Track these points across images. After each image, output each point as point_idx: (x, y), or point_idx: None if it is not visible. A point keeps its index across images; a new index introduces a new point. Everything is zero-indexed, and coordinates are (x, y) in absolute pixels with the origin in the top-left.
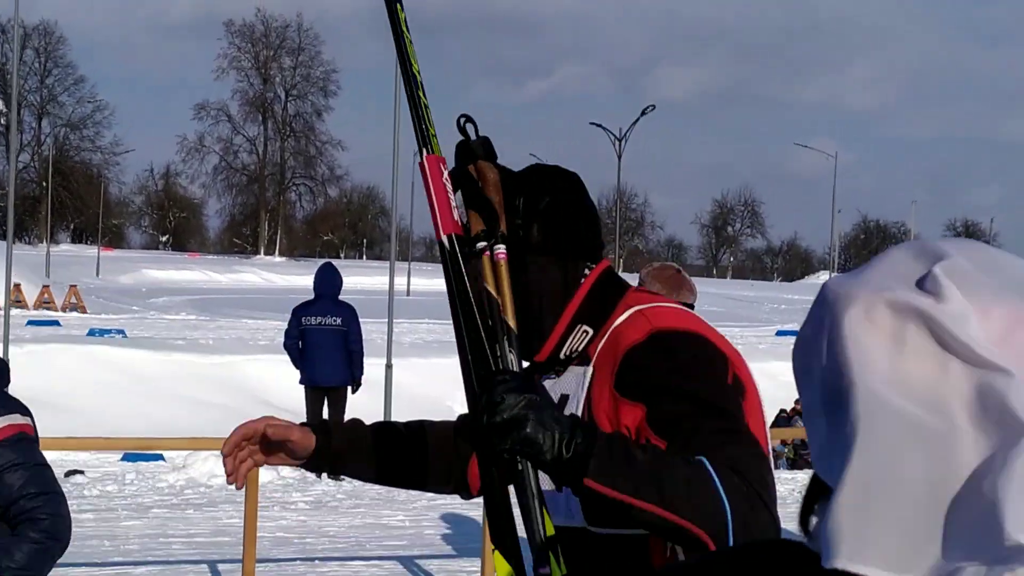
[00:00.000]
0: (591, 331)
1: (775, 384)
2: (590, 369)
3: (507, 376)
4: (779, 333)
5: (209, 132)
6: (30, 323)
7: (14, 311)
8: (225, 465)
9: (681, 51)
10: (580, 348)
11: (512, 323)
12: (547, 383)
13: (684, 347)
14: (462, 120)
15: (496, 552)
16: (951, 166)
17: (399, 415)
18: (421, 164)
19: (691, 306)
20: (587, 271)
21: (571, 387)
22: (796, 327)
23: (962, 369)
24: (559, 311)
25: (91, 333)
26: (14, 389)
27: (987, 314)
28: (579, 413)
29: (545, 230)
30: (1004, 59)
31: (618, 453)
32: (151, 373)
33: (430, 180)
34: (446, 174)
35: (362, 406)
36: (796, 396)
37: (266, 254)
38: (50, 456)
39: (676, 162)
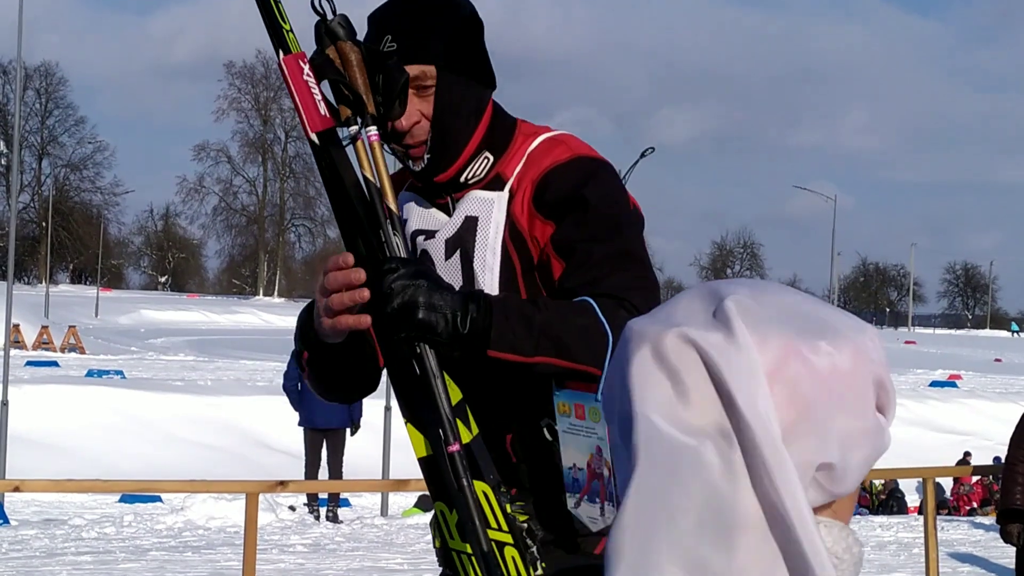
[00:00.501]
0: (492, 158)
1: None
2: (505, 193)
3: (394, 264)
4: None
5: (209, 173)
6: (29, 363)
7: (13, 351)
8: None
9: (681, 95)
10: (481, 175)
11: (393, 206)
12: (450, 206)
13: (602, 173)
14: None
15: (409, 425)
16: (950, 210)
17: (398, 457)
18: (279, 66)
19: None
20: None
21: (479, 210)
22: None
23: (734, 408)
24: (469, 135)
25: (89, 374)
26: (13, 430)
27: (765, 346)
28: (499, 236)
29: (459, 49)
30: (1002, 104)
31: (514, 318)
32: (149, 414)
33: (291, 81)
34: (307, 69)
35: (361, 449)
36: None
37: (265, 295)
38: (47, 498)
39: (675, 204)
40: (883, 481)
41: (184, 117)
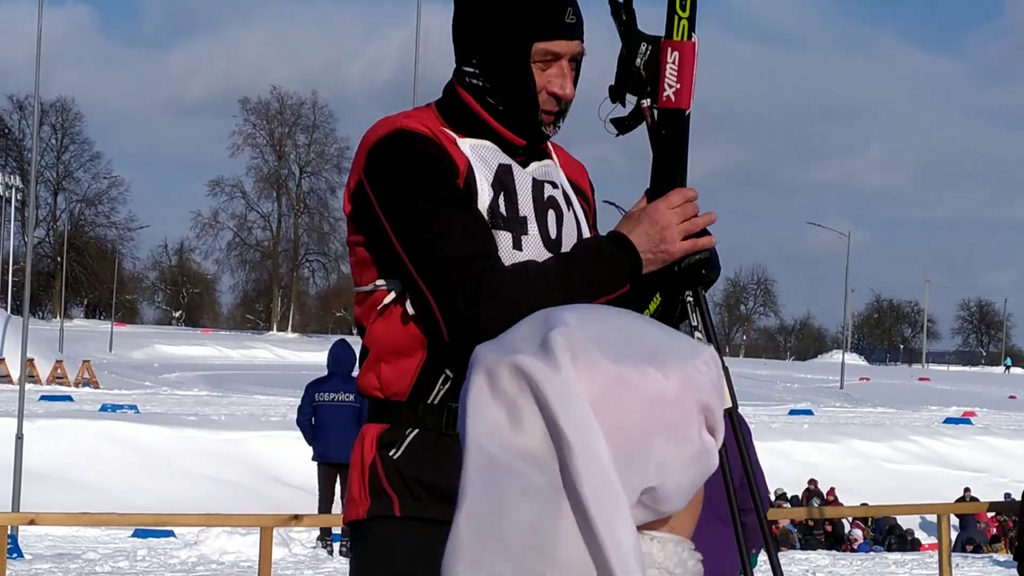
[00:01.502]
0: None
1: (789, 463)
2: (554, 162)
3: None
4: (792, 412)
5: (223, 208)
6: (43, 398)
7: (27, 386)
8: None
9: (696, 132)
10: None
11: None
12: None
13: None
14: None
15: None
16: (964, 247)
17: None
18: (689, 47)
19: None
20: None
21: (560, 175)
22: (809, 406)
23: (560, 435)
24: None
25: (103, 408)
26: (28, 464)
27: (591, 374)
28: (574, 198)
29: None
30: (1018, 141)
31: None
32: (163, 449)
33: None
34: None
35: None
36: (810, 476)
37: (279, 330)
38: (61, 532)
39: None
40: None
41: (199, 152)
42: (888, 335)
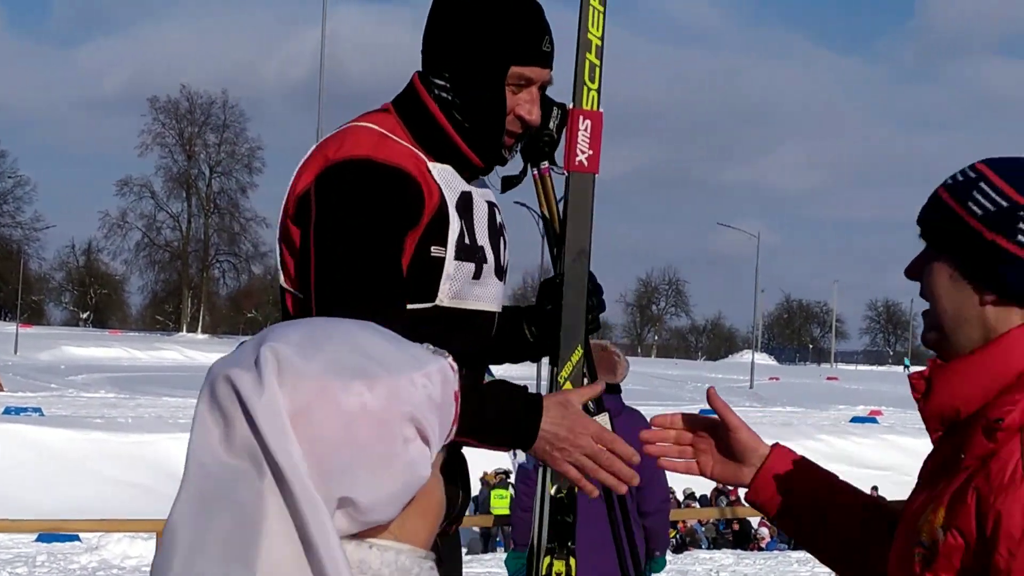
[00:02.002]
0: None
1: None
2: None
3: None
4: (702, 412)
5: (132, 208)
6: None
7: None
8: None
9: (611, 133)
10: None
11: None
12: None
13: None
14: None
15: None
16: (874, 247)
17: None
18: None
19: (617, 386)
20: None
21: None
22: None
23: (263, 442)
24: None
25: (7, 411)
26: None
27: (294, 389)
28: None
29: None
30: (927, 143)
31: None
32: (67, 452)
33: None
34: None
35: None
36: None
37: (188, 331)
38: None
39: (601, 241)
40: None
41: (108, 152)
42: (798, 335)
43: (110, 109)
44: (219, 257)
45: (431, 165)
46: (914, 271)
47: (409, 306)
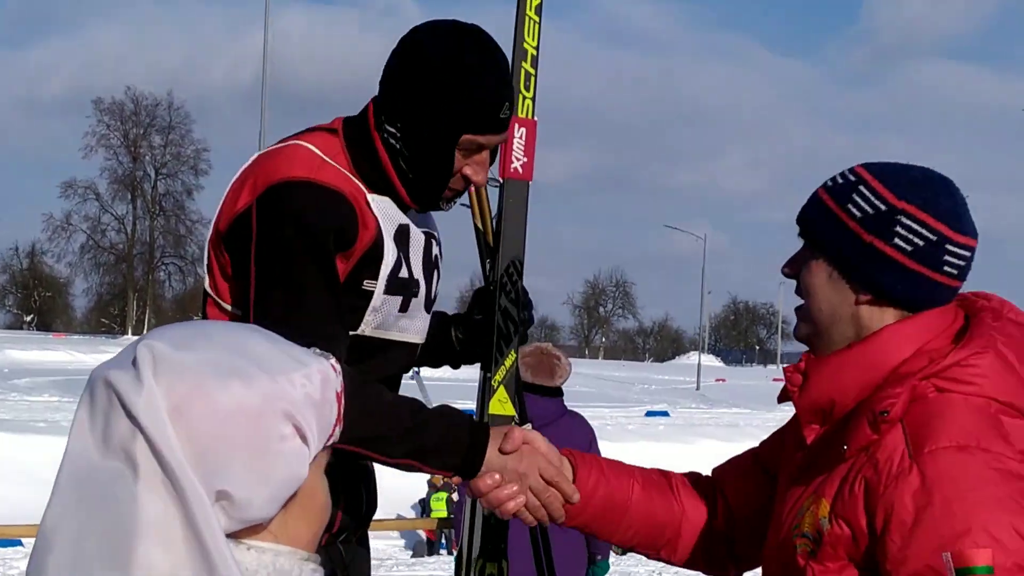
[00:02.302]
0: None
1: (646, 464)
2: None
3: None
4: (648, 414)
5: (76, 210)
6: None
7: None
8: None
9: (558, 135)
10: None
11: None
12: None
13: None
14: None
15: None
16: None
17: None
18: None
19: (559, 389)
20: None
21: (431, 222)
22: (666, 407)
23: (144, 440)
24: None
25: None
26: None
27: (171, 387)
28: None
29: None
30: (870, 144)
31: None
32: (10, 456)
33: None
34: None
35: None
36: None
37: (134, 334)
38: None
39: (549, 243)
40: None
41: (52, 153)
42: (744, 336)
43: (54, 110)
44: (165, 260)
45: (370, 196)
46: (792, 268)
47: None
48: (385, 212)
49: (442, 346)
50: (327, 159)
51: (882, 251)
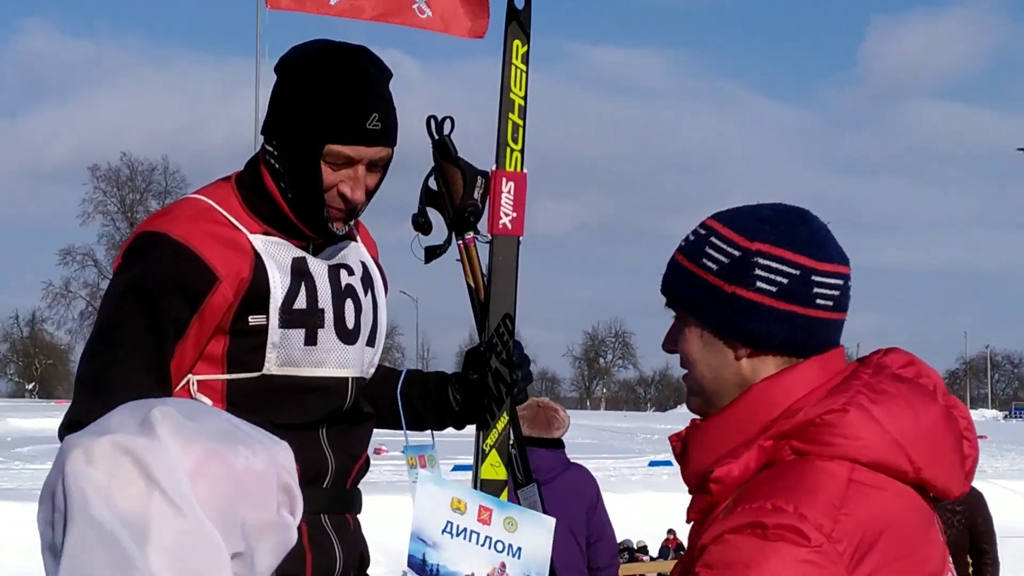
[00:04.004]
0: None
1: (650, 515)
2: (359, 244)
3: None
4: (652, 463)
5: (75, 277)
6: None
7: None
8: None
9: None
10: (344, 229)
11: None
12: (309, 248)
13: None
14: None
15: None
16: None
17: None
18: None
19: (559, 441)
20: None
21: (361, 256)
22: (669, 457)
23: (162, 499)
24: None
25: None
26: None
27: (188, 449)
28: (379, 278)
29: None
30: (866, 187)
31: None
32: (13, 526)
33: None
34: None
35: None
36: (668, 527)
37: None
38: None
39: (548, 295)
40: None
41: (51, 221)
42: None
43: (52, 178)
44: None
45: (254, 237)
46: (669, 343)
47: (233, 376)
48: (271, 251)
49: (442, 407)
50: (213, 205)
51: (746, 298)
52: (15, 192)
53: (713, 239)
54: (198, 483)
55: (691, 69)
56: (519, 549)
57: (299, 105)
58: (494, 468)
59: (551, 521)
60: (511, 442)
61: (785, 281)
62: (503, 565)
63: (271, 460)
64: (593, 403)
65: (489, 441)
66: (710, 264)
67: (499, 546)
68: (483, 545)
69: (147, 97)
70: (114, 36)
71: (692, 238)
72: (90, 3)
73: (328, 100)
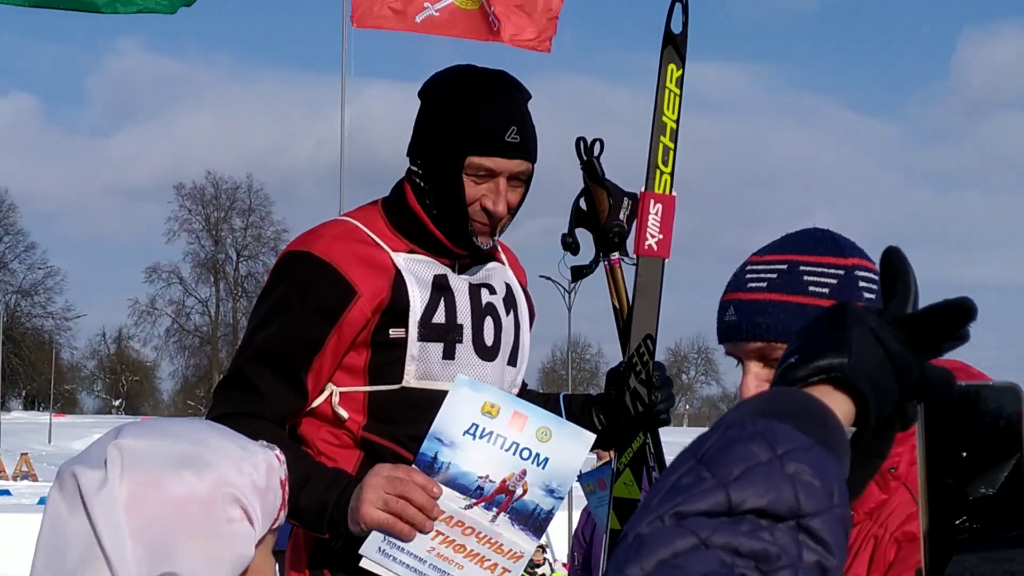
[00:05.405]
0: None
1: None
2: (504, 265)
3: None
4: None
5: (161, 295)
6: None
7: None
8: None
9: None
10: (488, 246)
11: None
12: (456, 267)
13: None
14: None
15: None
16: None
17: None
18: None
19: None
20: None
21: (505, 277)
22: None
23: (88, 526)
24: None
25: (42, 502)
26: None
27: (130, 481)
28: (523, 300)
29: None
30: (956, 203)
31: None
32: None
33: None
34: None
35: None
36: None
37: None
38: None
39: None
40: None
41: (137, 239)
42: None
43: (138, 196)
44: None
45: (396, 255)
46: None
47: (373, 388)
48: (414, 266)
49: (588, 428)
50: (359, 225)
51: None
52: (102, 210)
53: (803, 268)
54: (131, 516)
55: (776, 84)
56: (546, 460)
57: (441, 122)
58: (627, 487)
59: (590, 437)
60: (649, 463)
61: (877, 288)
62: (523, 472)
63: (219, 481)
64: (676, 420)
65: (623, 460)
66: (819, 290)
67: (525, 453)
68: (507, 450)
69: (232, 115)
70: (202, 54)
71: (775, 276)
72: (178, 22)
73: (468, 115)
